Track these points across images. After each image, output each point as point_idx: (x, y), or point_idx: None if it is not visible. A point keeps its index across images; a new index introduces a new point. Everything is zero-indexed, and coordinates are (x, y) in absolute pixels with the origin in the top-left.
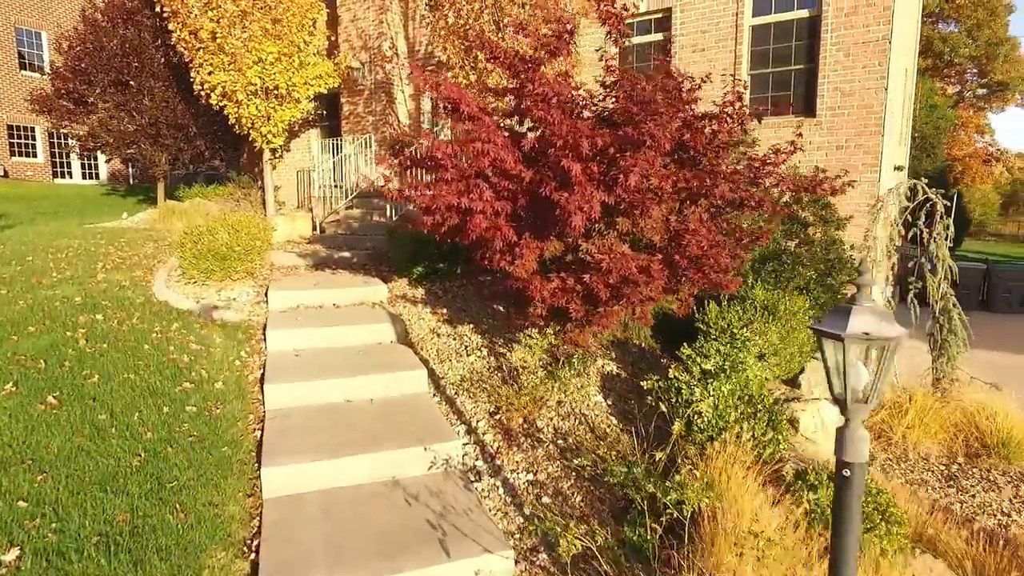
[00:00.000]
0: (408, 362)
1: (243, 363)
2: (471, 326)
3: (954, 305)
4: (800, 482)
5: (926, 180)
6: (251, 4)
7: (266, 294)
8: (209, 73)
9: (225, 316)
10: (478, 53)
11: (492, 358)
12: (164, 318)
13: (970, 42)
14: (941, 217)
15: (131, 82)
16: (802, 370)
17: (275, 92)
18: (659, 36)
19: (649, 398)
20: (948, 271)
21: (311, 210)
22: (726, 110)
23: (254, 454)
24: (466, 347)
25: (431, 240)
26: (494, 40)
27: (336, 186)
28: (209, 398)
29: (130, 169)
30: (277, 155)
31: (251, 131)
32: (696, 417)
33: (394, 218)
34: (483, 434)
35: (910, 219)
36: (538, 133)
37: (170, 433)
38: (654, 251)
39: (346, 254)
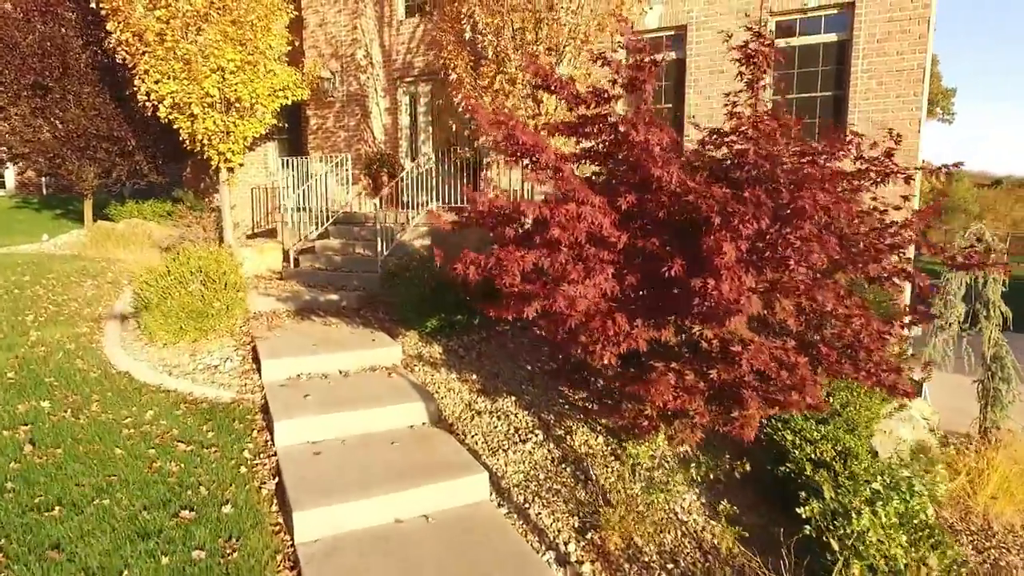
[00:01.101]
0: (457, 459)
1: (250, 469)
2: (512, 398)
3: (1007, 352)
4: None
5: None
6: (207, 3)
7: (254, 359)
8: (156, 82)
9: (210, 394)
10: (497, 76)
11: (551, 443)
12: (132, 401)
13: None
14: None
15: (54, 86)
16: (871, 434)
17: (236, 105)
18: (671, 55)
19: (808, 528)
20: (1000, 316)
21: (271, 231)
22: (870, 165)
23: None
24: (516, 429)
25: (445, 286)
26: (545, 67)
27: (303, 209)
28: (219, 531)
29: (43, 179)
30: (232, 172)
31: (207, 148)
32: (870, 553)
33: (384, 252)
34: (579, 563)
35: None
36: (607, 171)
37: None
38: (779, 336)
39: (333, 296)
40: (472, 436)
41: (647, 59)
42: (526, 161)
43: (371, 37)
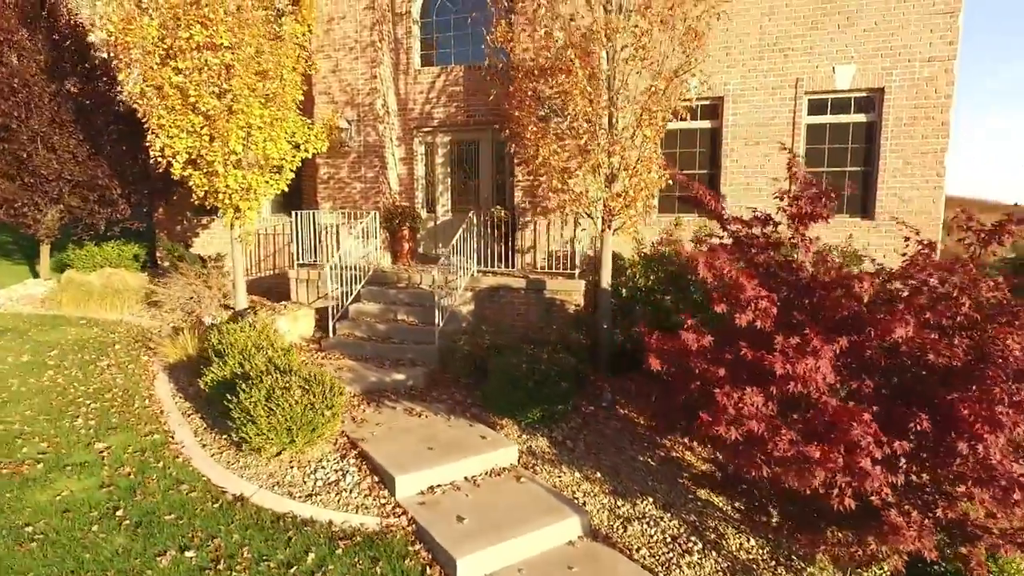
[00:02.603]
0: None
1: None
2: (649, 499)
3: None
4: None
5: None
6: (233, 56)
7: (371, 469)
8: (171, 137)
9: (352, 521)
10: (586, 162)
11: (712, 552)
12: (279, 540)
13: None
14: None
15: (18, 127)
16: None
17: (262, 162)
18: (706, 124)
19: None
20: None
21: (265, 281)
22: None
23: None
24: (672, 537)
25: (548, 375)
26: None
27: (318, 265)
28: None
29: None
30: (240, 225)
31: (227, 207)
32: None
33: (441, 323)
34: None
35: None
36: (779, 297)
37: None
38: None
39: (398, 376)
40: (637, 550)
41: (812, 192)
42: (734, 302)
43: (387, 86)
